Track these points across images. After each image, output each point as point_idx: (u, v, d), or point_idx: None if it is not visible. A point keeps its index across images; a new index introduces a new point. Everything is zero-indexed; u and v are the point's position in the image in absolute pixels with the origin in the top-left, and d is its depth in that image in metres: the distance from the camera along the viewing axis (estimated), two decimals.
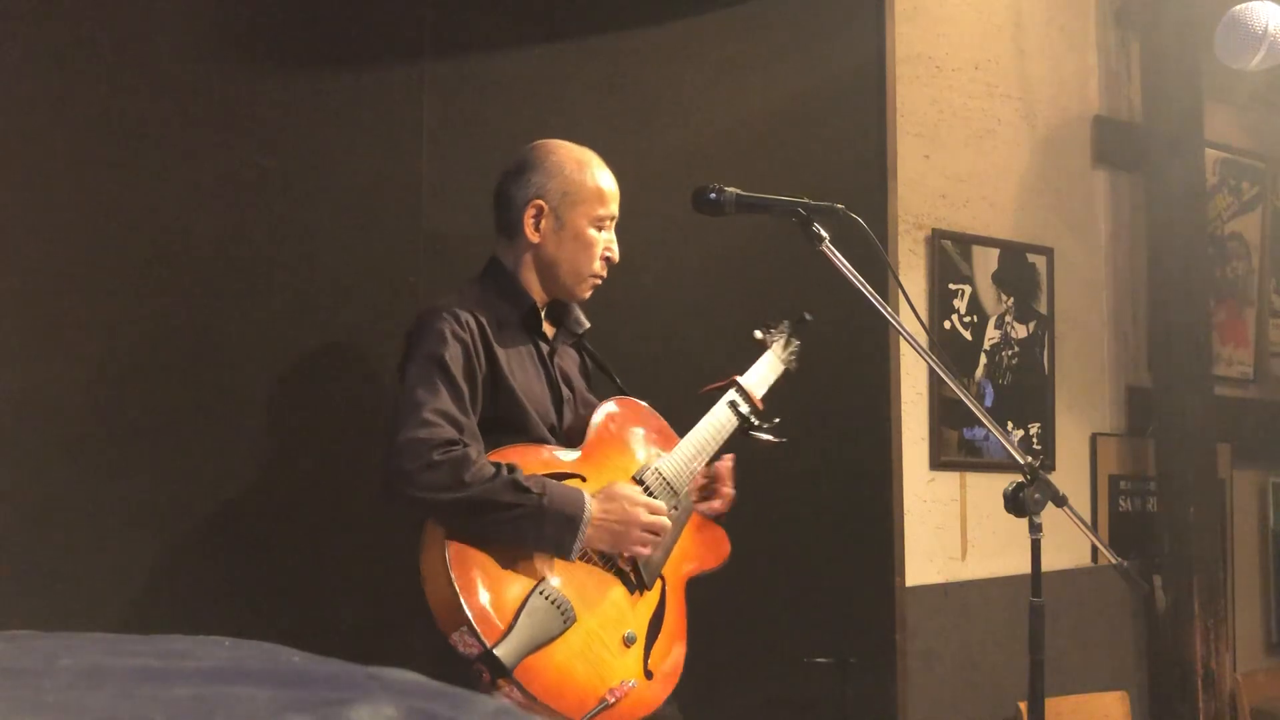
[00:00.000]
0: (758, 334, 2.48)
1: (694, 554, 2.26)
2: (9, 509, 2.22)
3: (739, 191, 2.15)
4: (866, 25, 3.51)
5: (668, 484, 2.19)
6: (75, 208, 2.35)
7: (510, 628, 1.86)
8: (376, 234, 2.64)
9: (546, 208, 2.21)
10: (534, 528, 1.94)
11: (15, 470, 2.24)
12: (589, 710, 1.91)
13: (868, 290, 2.07)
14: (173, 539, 2.38)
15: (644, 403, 2.33)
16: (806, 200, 2.11)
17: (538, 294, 2.25)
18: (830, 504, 3.27)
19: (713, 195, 2.14)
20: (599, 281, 2.27)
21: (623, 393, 2.34)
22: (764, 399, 2.41)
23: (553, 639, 1.92)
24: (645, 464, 2.20)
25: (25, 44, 2.31)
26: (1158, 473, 4.17)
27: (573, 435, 2.20)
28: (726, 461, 2.38)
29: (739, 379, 2.38)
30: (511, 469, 1.96)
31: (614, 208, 2.26)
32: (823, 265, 2.08)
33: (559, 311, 2.32)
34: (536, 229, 2.21)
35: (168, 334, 2.41)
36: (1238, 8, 3.07)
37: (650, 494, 2.14)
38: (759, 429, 2.36)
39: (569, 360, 2.35)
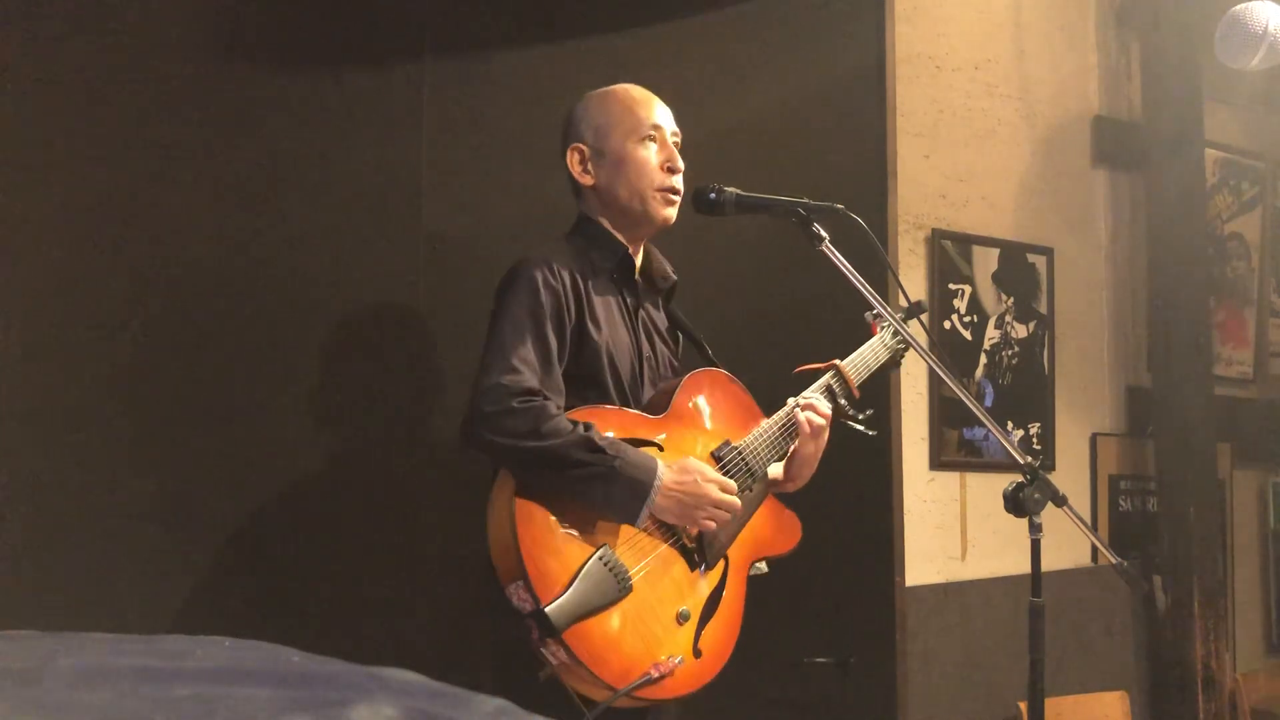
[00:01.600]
0: (869, 316, 2.42)
1: (766, 538, 2.22)
2: (9, 509, 2.22)
3: (739, 191, 2.14)
4: (866, 25, 3.51)
5: (746, 464, 2.15)
6: (76, 207, 2.35)
7: (566, 589, 1.85)
8: (376, 234, 2.64)
9: (586, 149, 2.20)
10: (603, 489, 1.92)
11: (15, 470, 2.24)
12: (632, 681, 1.88)
13: (868, 290, 2.06)
14: (173, 539, 2.38)
15: (733, 377, 2.28)
16: (806, 200, 2.11)
17: (629, 240, 2.21)
18: (830, 504, 3.26)
19: (713, 195, 2.14)
20: (674, 196, 2.20)
21: (712, 364, 2.30)
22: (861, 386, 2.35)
23: (607, 606, 1.89)
24: (725, 441, 2.16)
25: (25, 44, 2.31)
26: (1158, 473, 4.17)
27: (654, 397, 2.17)
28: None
29: (839, 362, 2.33)
30: (589, 427, 1.94)
31: (658, 119, 2.21)
32: (823, 265, 2.08)
33: (647, 265, 2.28)
34: (586, 171, 2.20)
35: (167, 334, 2.41)
36: (1238, 8, 3.07)
37: (727, 473, 2.11)
38: (853, 418, 2.32)
39: (657, 320, 2.29)
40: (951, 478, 3.77)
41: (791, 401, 2.26)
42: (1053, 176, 4.14)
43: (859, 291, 2.06)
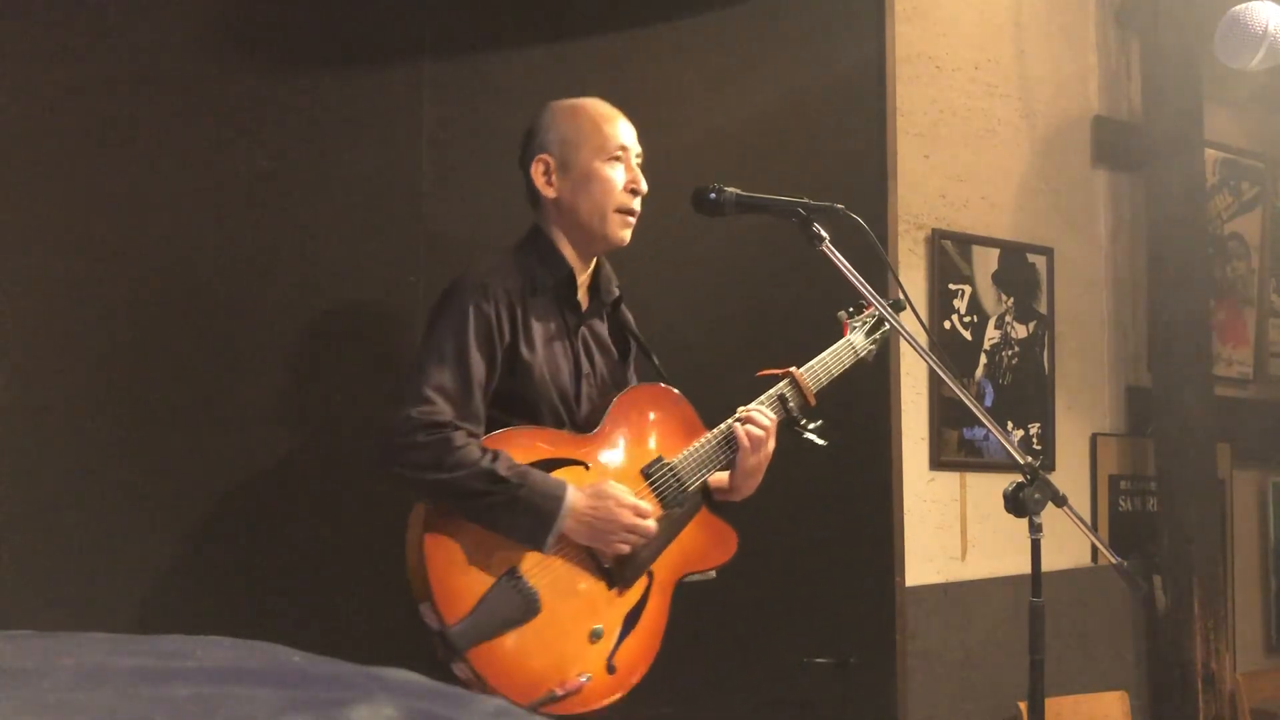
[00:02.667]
0: (841, 315, 2.41)
1: (697, 552, 2.21)
2: (9, 509, 2.22)
3: (739, 191, 2.14)
4: (866, 25, 3.51)
5: (678, 480, 2.14)
6: (76, 207, 2.35)
7: (472, 611, 1.90)
8: (376, 234, 2.64)
9: (551, 160, 2.19)
10: (508, 517, 1.95)
11: (16, 470, 2.24)
12: (534, 699, 1.92)
13: (868, 290, 2.06)
14: (173, 539, 2.38)
15: (675, 390, 2.27)
16: (806, 200, 2.11)
17: (575, 259, 2.20)
18: (830, 504, 3.27)
19: (713, 195, 2.14)
20: (631, 219, 2.19)
21: (660, 376, 2.29)
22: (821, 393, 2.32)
23: (513, 626, 1.93)
24: (658, 458, 2.15)
25: (25, 44, 2.31)
26: (1158, 473, 4.17)
27: (593, 414, 2.17)
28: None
29: (795, 370, 2.30)
30: (496, 456, 1.96)
31: (623, 139, 2.20)
32: (823, 265, 2.08)
33: (596, 280, 2.27)
34: (549, 183, 2.18)
35: (167, 334, 2.41)
36: (1238, 8, 3.07)
37: (656, 488, 2.11)
38: (804, 428, 2.29)
39: (603, 335, 2.28)
40: (951, 478, 3.77)
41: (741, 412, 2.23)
42: (1052, 176, 4.14)
43: (853, 290, 2.06)
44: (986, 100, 3.98)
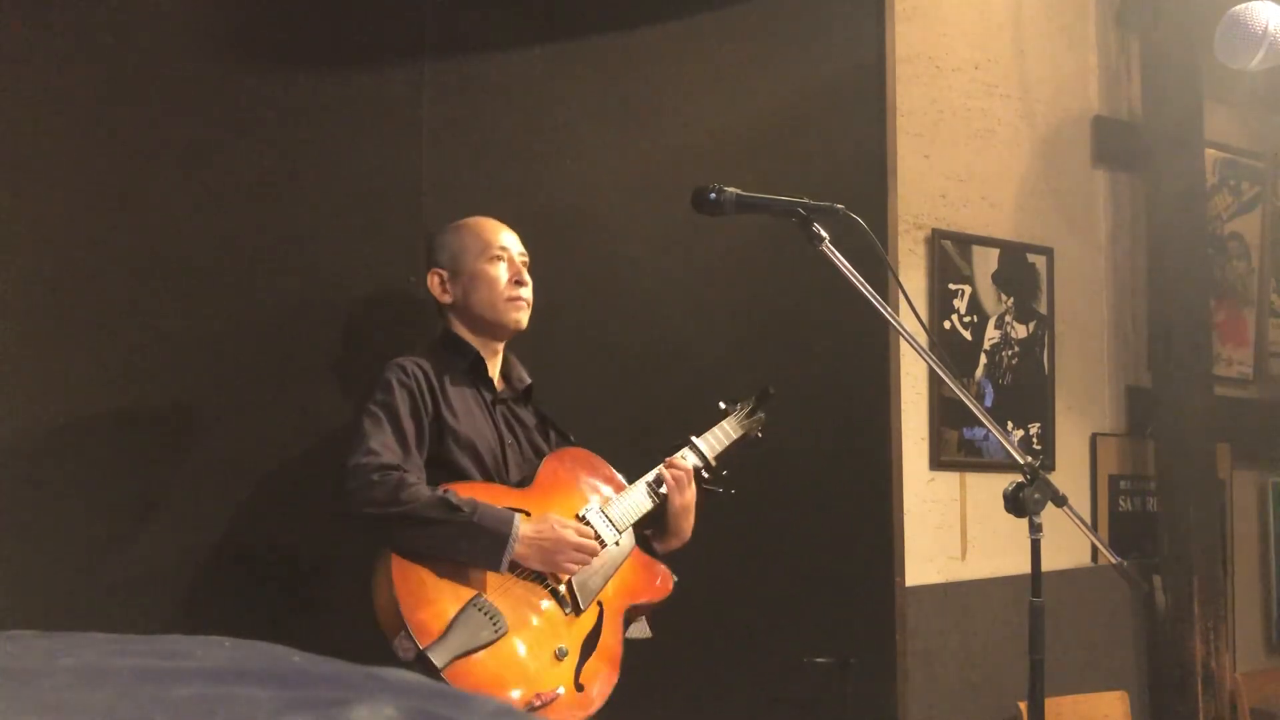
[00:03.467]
0: (722, 405, 2.61)
1: (638, 586, 2.36)
2: (9, 509, 2.22)
3: (739, 191, 2.15)
4: (866, 25, 3.51)
5: (610, 521, 2.31)
6: (76, 208, 2.35)
7: (444, 634, 2.02)
8: (376, 234, 2.65)
9: (445, 272, 2.38)
10: (466, 542, 2.08)
11: (16, 470, 2.24)
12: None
13: (868, 290, 2.06)
14: (173, 539, 2.38)
15: (593, 453, 2.45)
16: (806, 200, 2.11)
17: (482, 349, 2.40)
18: (830, 504, 3.27)
19: (713, 195, 2.14)
20: (522, 303, 2.38)
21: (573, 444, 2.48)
22: (727, 453, 2.54)
23: (484, 646, 2.05)
24: (589, 503, 2.33)
25: (25, 44, 2.31)
26: (1158, 473, 4.17)
27: (522, 477, 2.35)
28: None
29: (694, 439, 2.49)
30: (446, 490, 2.12)
31: (505, 241, 2.40)
32: (823, 265, 2.08)
33: (507, 370, 2.48)
34: (445, 291, 2.38)
35: (167, 334, 2.41)
36: (1238, 8, 3.07)
37: (593, 527, 2.26)
38: (707, 481, 2.50)
39: (524, 417, 2.47)
40: (951, 478, 3.77)
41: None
42: (1053, 176, 4.14)
43: (852, 292, 2.06)
44: (986, 100, 3.98)
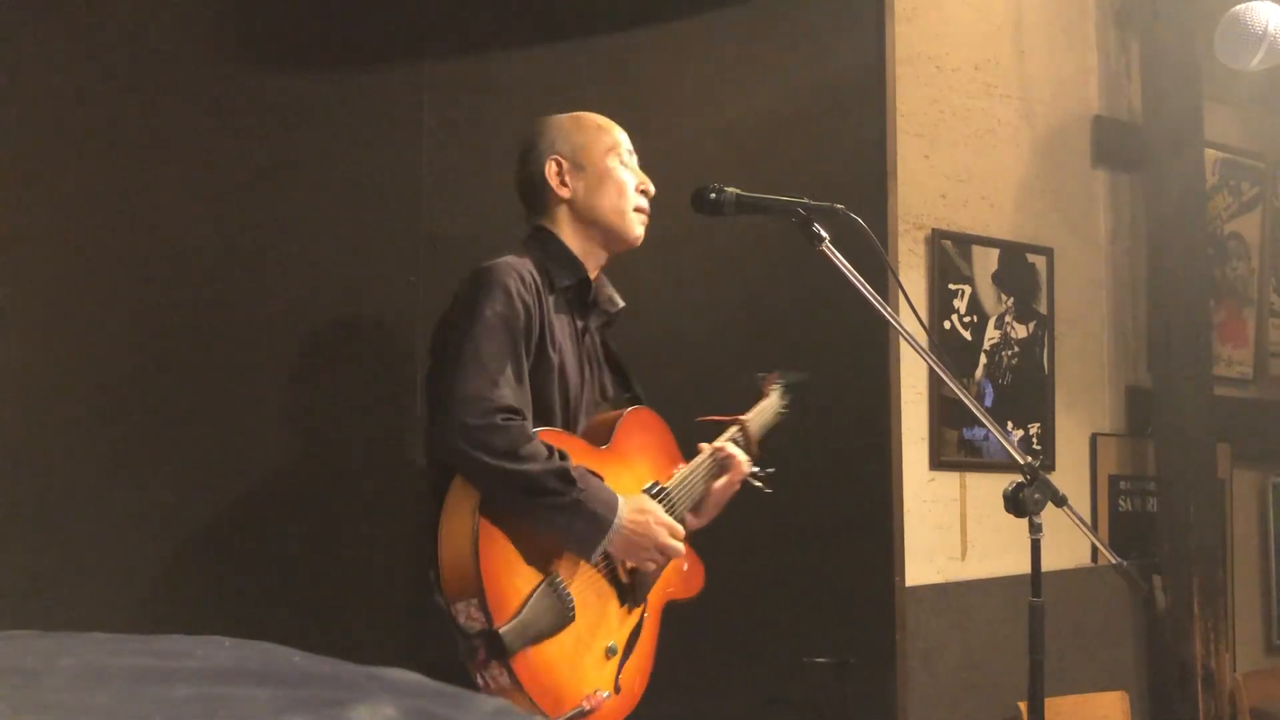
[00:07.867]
0: (759, 377, 2.45)
1: (675, 582, 2.23)
2: (10, 509, 2.22)
3: (739, 191, 2.14)
4: (866, 25, 3.51)
5: (672, 507, 2.13)
6: (76, 208, 2.35)
7: (518, 612, 1.83)
8: (376, 234, 2.64)
9: (565, 161, 2.17)
10: (567, 520, 1.89)
11: (16, 470, 2.24)
12: (566, 712, 1.88)
13: (868, 290, 2.06)
14: (173, 539, 2.38)
15: (659, 418, 2.29)
16: (806, 200, 2.11)
17: (588, 261, 2.18)
18: (830, 504, 3.27)
19: (713, 195, 2.14)
20: (645, 217, 2.21)
21: (636, 399, 2.30)
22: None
23: (552, 633, 1.88)
24: (655, 481, 2.15)
25: (26, 44, 2.31)
26: (1158, 473, 4.17)
27: (593, 427, 2.15)
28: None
29: (744, 418, 2.33)
30: (563, 456, 1.90)
31: (627, 141, 2.23)
32: (823, 265, 2.08)
33: (599, 290, 2.25)
34: (564, 183, 2.16)
35: (168, 334, 2.41)
36: (1238, 8, 3.07)
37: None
38: (754, 475, 2.33)
39: (598, 346, 2.28)
40: (951, 478, 3.77)
41: (709, 448, 2.25)
42: (1052, 176, 4.14)
43: (853, 291, 2.06)
44: (986, 100, 3.97)
